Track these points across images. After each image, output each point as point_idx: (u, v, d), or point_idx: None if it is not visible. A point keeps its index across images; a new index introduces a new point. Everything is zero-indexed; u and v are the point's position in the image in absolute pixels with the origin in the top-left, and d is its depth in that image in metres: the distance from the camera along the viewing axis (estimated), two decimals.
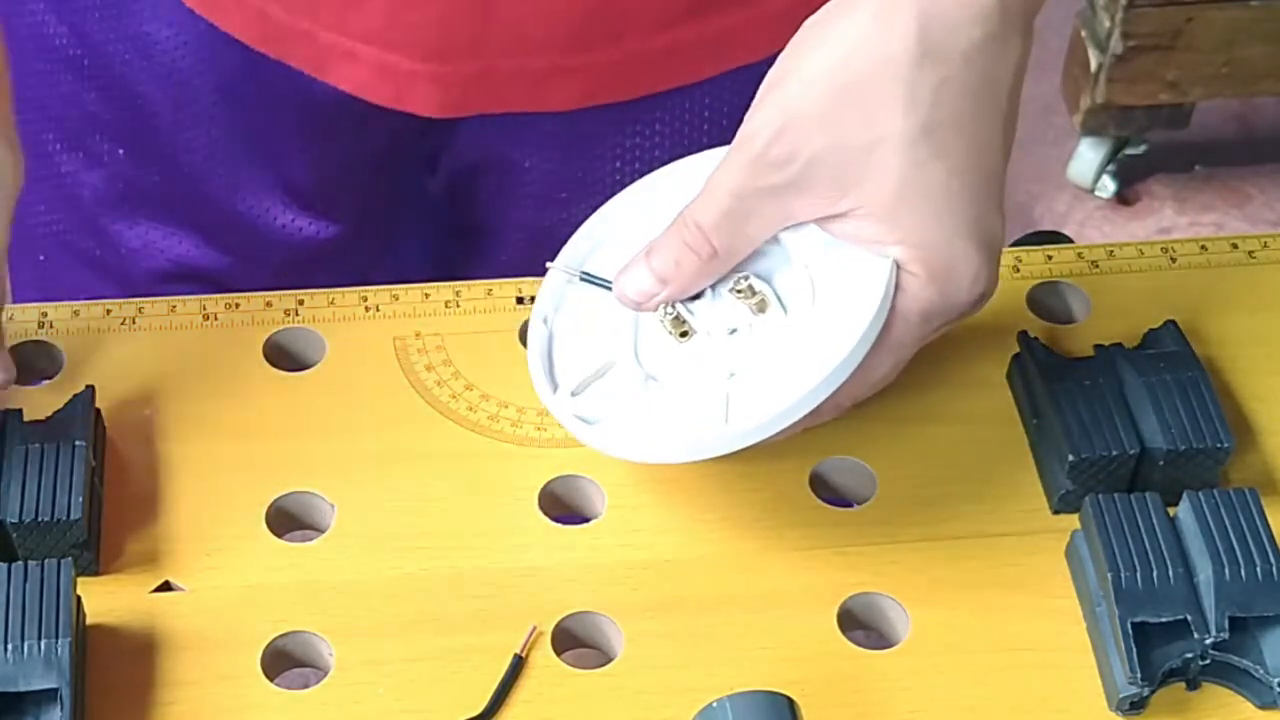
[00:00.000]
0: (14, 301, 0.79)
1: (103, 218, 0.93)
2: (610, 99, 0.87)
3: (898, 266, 0.68)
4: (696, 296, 0.71)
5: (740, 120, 0.94)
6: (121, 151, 0.91)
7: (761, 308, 0.70)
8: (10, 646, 0.64)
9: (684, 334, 0.71)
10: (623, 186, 0.92)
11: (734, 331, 0.71)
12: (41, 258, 0.95)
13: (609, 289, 0.72)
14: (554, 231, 0.87)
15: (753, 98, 0.95)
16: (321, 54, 0.84)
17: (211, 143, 0.89)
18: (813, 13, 0.70)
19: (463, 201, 0.93)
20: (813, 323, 0.70)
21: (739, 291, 0.70)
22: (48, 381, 0.78)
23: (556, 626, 0.70)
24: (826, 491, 0.76)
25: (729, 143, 0.96)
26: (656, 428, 0.70)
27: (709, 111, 0.90)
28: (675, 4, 0.84)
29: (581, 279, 0.74)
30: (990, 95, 0.67)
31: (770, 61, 0.89)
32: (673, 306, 0.71)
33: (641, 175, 0.94)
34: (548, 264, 0.75)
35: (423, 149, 0.90)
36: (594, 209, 0.83)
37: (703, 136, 0.92)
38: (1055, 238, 0.93)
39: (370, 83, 0.85)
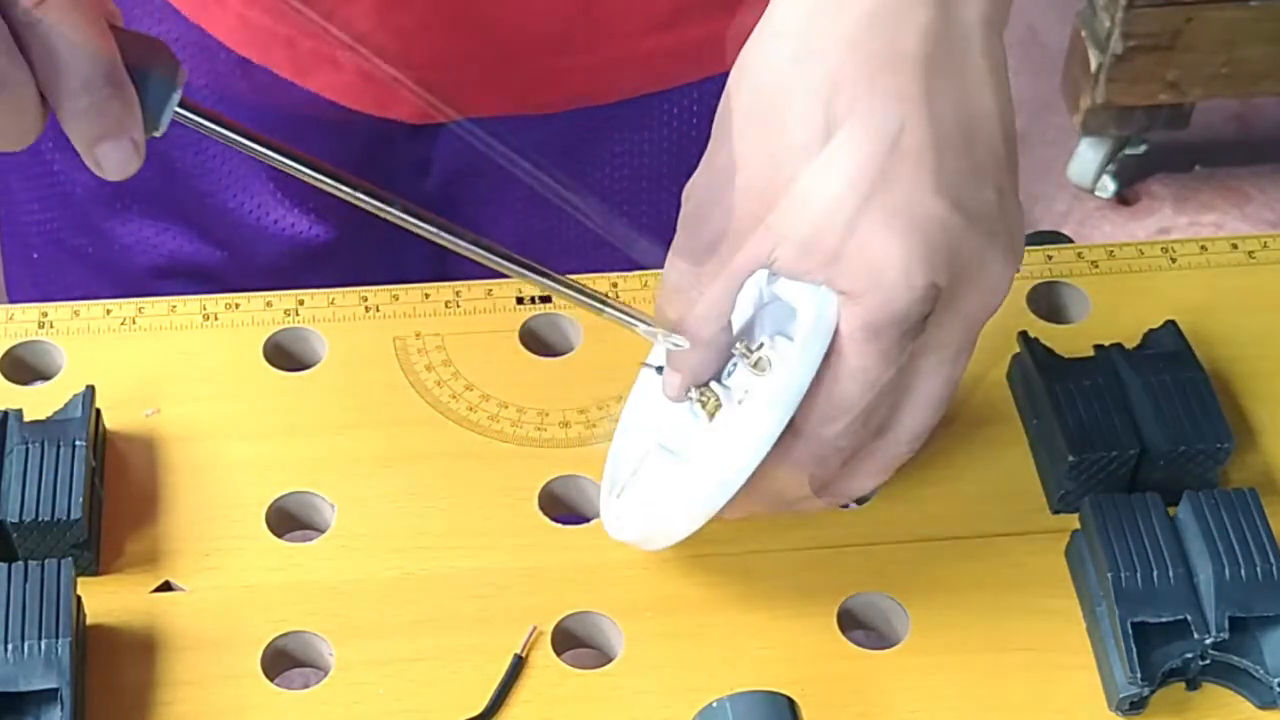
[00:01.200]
0: (11, 300, 0.79)
1: (95, 215, 0.93)
2: (597, 101, 0.87)
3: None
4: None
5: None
6: None
7: (760, 368, 0.67)
8: (10, 646, 0.64)
9: (711, 416, 0.68)
10: (614, 191, 0.91)
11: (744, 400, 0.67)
12: (35, 255, 0.94)
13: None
14: (549, 235, 0.87)
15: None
16: (303, 60, 0.84)
17: (203, 140, 0.89)
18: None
19: (456, 204, 0.93)
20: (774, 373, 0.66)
21: (744, 355, 0.67)
22: (48, 382, 0.78)
23: (556, 626, 0.70)
24: None
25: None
26: (673, 500, 0.68)
27: (697, 118, 0.90)
28: (660, 8, 0.84)
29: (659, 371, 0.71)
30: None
31: None
32: (703, 389, 0.68)
33: (632, 180, 0.93)
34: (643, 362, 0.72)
35: (412, 153, 0.90)
36: (587, 216, 0.83)
37: (691, 144, 0.91)
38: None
39: (353, 89, 0.84)
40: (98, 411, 0.74)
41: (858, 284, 0.62)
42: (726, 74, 0.86)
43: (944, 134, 0.62)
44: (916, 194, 0.62)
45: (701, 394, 0.68)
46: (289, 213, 0.91)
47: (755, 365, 0.66)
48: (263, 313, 0.80)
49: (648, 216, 0.90)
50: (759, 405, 0.65)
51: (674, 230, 0.70)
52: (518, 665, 0.69)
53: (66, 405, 0.73)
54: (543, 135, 0.88)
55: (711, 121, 0.90)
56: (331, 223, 0.92)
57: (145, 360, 0.78)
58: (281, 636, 0.70)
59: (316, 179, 0.63)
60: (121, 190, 0.92)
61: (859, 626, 0.72)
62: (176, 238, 0.93)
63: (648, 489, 0.70)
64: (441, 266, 0.88)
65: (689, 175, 0.95)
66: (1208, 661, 0.68)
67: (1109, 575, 0.68)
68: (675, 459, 0.69)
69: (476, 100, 0.86)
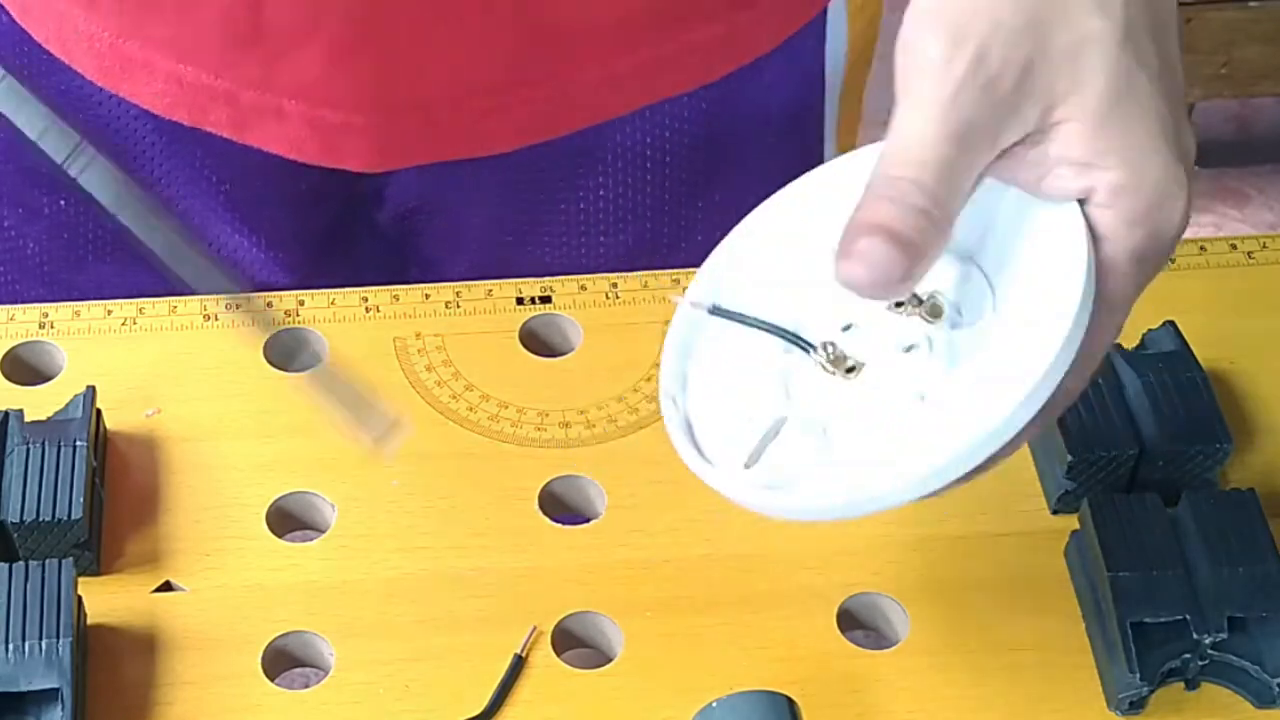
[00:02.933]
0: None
1: (51, 268, 0.92)
2: (547, 135, 0.86)
3: (1090, 213, 0.57)
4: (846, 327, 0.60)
5: (684, 152, 0.92)
6: (63, 202, 0.90)
7: (935, 313, 0.59)
8: (11, 646, 0.64)
9: (850, 370, 0.59)
10: (568, 227, 0.90)
11: (910, 349, 0.59)
12: None
13: (752, 325, 0.60)
14: (504, 270, 0.85)
15: (689, 125, 0.93)
16: (243, 115, 0.82)
17: (154, 185, 0.89)
18: (735, 46, 0.65)
19: (412, 240, 0.92)
20: (1008, 314, 0.58)
21: (903, 304, 0.59)
22: (48, 382, 0.78)
23: (556, 626, 0.70)
24: None
25: (671, 176, 0.94)
26: (856, 475, 0.58)
27: (649, 148, 0.89)
28: (608, 34, 0.84)
29: (713, 313, 0.61)
30: (1167, 5, 0.60)
31: (702, 92, 0.88)
32: (833, 344, 0.59)
33: (586, 214, 0.90)
34: (672, 298, 0.63)
35: (363, 190, 0.89)
36: (543, 248, 0.80)
37: (645, 173, 0.91)
38: None
39: (300, 140, 0.82)
40: (98, 412, 0.74)
41: (1148, 199, 0.57)
42: (673, 99, 0.86)
43: (1182, 76, 0.60)
44: (1186, 127, 0.60)
45: (834, 356, 0.59)
46: (249, 251, 0.90)
47: (932, 311, 0.59)
48: (263, 313, 0.80)
49: (605, 246, 0.90)
50: (1040, 357, 0.55)
51: (638, 256, 0.65)
52: (518, 665, 0.69)
53: (67, 406, 0.73)
54: (493, 174, 0.87)
55: (662, 148, 0.88)
56: (294, 260, 0.91)
57: (146, 360, 0.78)
58: (281, 636, 0.70)
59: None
60: (76, 241, 0.91)
61: (859, 626, 0.72)
62: (138, 277, 0.92)
63: (824, 467, 0.59)
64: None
65: (643, 201, 0.92)
66: (1207, 661, 0.68)
67: (1108, 575, 0.68)
68: (836, 432, 0.60)
69: (429, 146, 0.85)
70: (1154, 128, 0.57)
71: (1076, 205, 0.57)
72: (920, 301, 0.59)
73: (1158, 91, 0.58)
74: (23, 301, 0.91)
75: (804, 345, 0.60)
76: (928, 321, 0.59)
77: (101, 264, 0.92)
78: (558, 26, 0.82)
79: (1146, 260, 0.58)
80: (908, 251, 0.54)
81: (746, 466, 0.60)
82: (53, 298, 0.92)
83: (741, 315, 0.61)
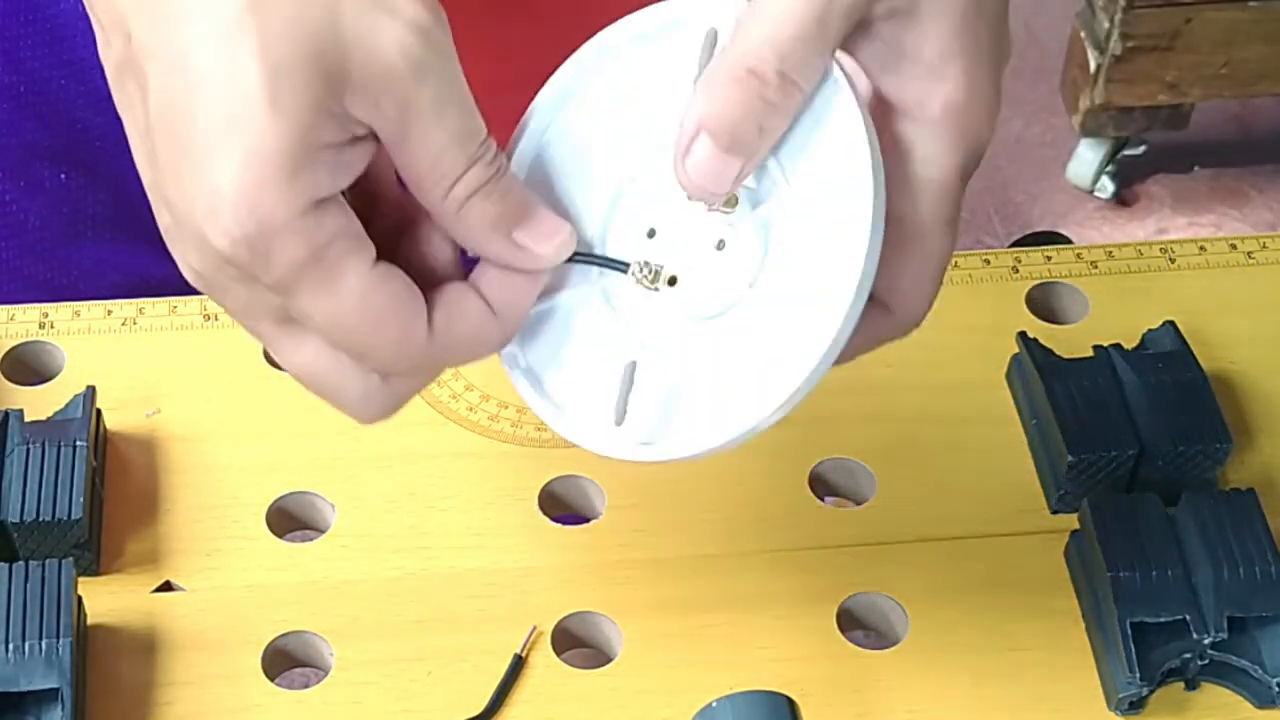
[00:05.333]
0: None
1: (51, 243, 0.92)
2: None
3: (912, 130, 0.57)
4: (650, 234, 0.60)
5: None
6: (64, 176, 0.90)
7: (731, 203, 0.58)
8: (11, 646, 0.65)
9: (671, 281, 0.59)
10: None
11: (721, 244, 0.58)
12: None
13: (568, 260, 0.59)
14: None
15: None
16: None
17: None
18: None
19: None
20: (802, 186, 0.57)
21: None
22: (48, 382, 0.78)
23: (556, 626, 0.70)
24: (826, 491, 0.76)
25: None
26: (719, 410, 0.58)
27: None
28: None
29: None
30: None
31: None
32: (645, 262, 0.59)
33: None
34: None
35: None
36: None
37: None
38: (1054, 238, 0.93)
39: None
40: (98, 412, 0.74)
41: (973, 115, 0.57)
42: None
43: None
44: (1006, 33, 0.58)
45: (649, 271, 0.59)
46: None
47: (729, 201, 0.57)
48: None
49: None
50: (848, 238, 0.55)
51: None
52: (518, 665, 0.69)
53: (67, 406, 0.73)
54: None
55: None
56: None
57: (146, 360, 0.78)
58: (281, 636, 0.70)
59: None
60: (77, 218, 0.91)
61: (859, 626, 0.72)
62: (138, 257, 0.92)
63: (694, 393, 0.59)
64: None
65: None
66: (1206, 661, 0.68)
67: (1108, 575, 0.68)
68: (684, 355, 0.59)
69: None
70: (993, 37, 0.56)
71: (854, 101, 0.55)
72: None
73: (994, 19, 0.57)
74: (21, 277, 0.92)
75: (618, 266, 0.59)
76: (725, 214, 0.58)
77: (101, 241, 0.92)
78: (569, 32, 0.82)
79: (968, 173, 0.58)
80: (746, 153, 0.55)
81: (618, 424, 0.59)
82: (51, 274, 0.92)
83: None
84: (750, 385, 0.57)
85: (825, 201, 0.56)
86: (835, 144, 0.56)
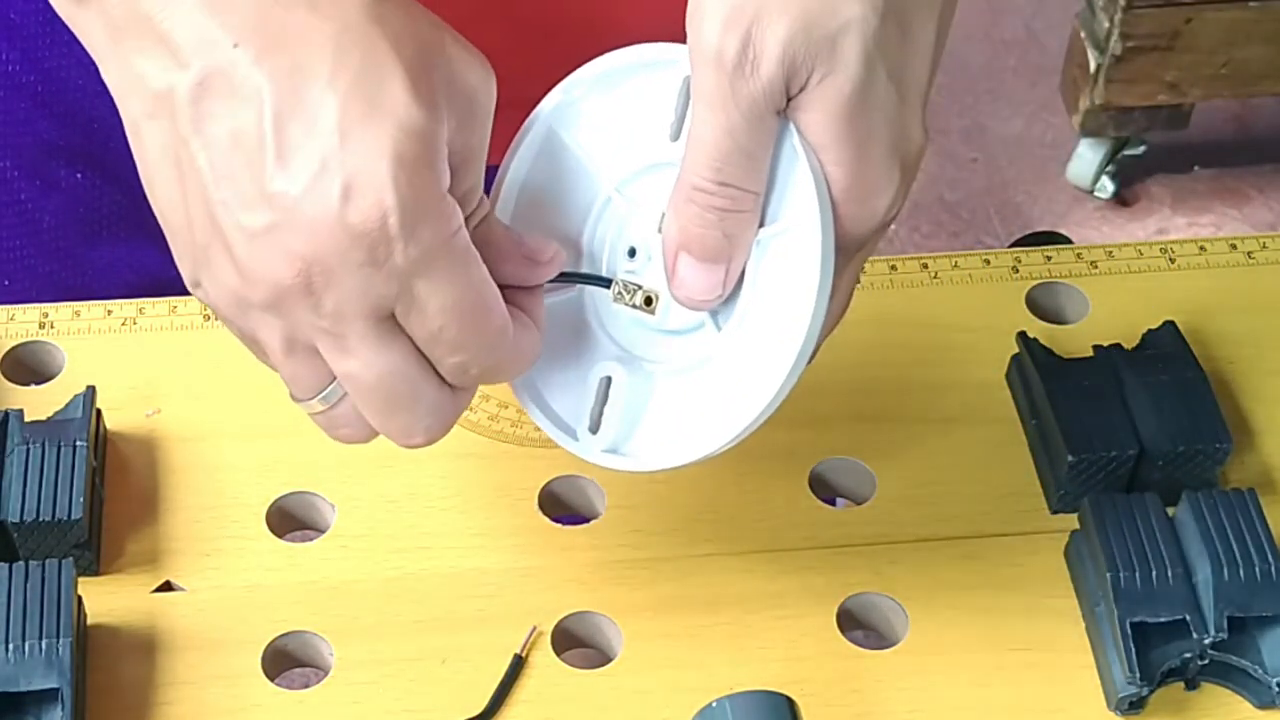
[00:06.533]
0: None
1: (66, 242, 0.92)
2: None
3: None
4: (631, 254, 0.64)
5: None
6: (80, 175, 0.90)
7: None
8: (11, 646, 0.65)
9: (648, 301, 0.63)
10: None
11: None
12: (7, 282, 0.94)
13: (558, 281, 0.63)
14: None
15: None
16: None
17: None
18: None
19: None
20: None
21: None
22: (48, 382, 0.78)
23: (556, 626, 0.70)
24: (826, 491, 0.76)
25: None
26: (687, 426, 0.63)
27: None
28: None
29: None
30: (919, 18, 0.61)
31: None
32: (625, 281, 0.64)
33: None
34: None
35: None
36: None
37: None
38: (1054, 238, 0.92)
39: None
40: (98, 412, 0.74)
41: (861, 193, 0.61)
42: None
43: (934, 69, 0.63)
44: (915, 125, 0.62)
45: (636, 291, 0.64)
46: None
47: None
48: None
49: None
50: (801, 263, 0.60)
51: None
52: (518, 665, 0.69)
53: (67, 406, 0.73)
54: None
55: None
56: None
57: (146, 360, 0.78)
58: (281, 636, 0.70)
59: None
60: (92, 218, 0.91)
61: (859, 626, 0.72)
62: (151, 257, 0.93)
63: (666, 404, 0.64)
64: None
65: None
66: (1206, 661, 0.68)
67: (1108, 575, 0.68)
68: (660, 372, 0.64)
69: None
70: (880, 128, 0.60)
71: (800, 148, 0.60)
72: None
73: (893, 86, 0.60)
74: (36, 275, 0.92)
75: (602, 283, 0.64)
76: None
77: (115, 241, 0.92)
78: (575, 41, 0.82)
79: (860, 244, 0.62)
80: (721, 258, 0.61)
81: (591, 432, 0.64)
82: (64, 273, 0.92)
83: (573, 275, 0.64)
84: (714, 410, 0.62)
85: (783, 241, 0.61)
86: (792, 193, 0.61)
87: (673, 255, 0.61)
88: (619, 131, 0.64)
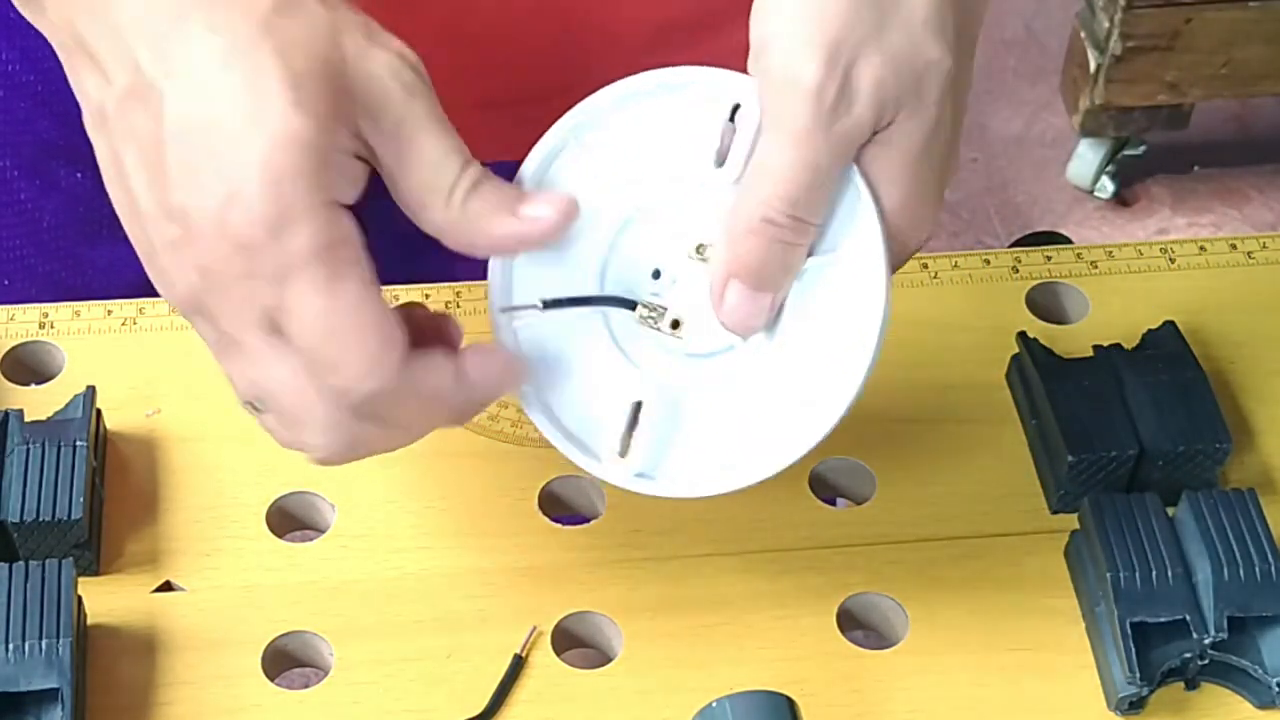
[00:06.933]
0: None
1: (66, 242, 0.92)
2: None
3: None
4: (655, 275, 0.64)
5: None
6: (80, 175, 0.90)
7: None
8: (11, 646, 0.65)
9: (675, 324, 0.63)
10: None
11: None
12: (6, 282, 0.94)
13: (582, 304, 0.64)
14: None
15: None
16: None
17: None
18: None
19: (417, 239, 0.92)
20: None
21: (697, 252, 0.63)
22: (48, 382, 0.78)
23: (556, 626, 0.70)
24: (826, 491, 0.76)
25: None
26: (732, 443, 0.64)
27: None
28: (648, 39, 0.83)
29: (548, 307, 0.64)
30: (971, 34, 0.63)
31: None
32: (650, 305, 0.64)
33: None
34: (500, 308, 0.65)
35: (376, 187, 0.89)
36: None
37: None
38: (1054, 238, 0.92)
39: None
40: (98, 412, 0.74)
41: (913, 229, 0.62)
42: None
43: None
44: (957, 157, 0.64)
45: (663, 315, 0.63)
46: None
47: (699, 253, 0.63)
48: None
49: None
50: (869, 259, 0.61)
51: None
52: (518, 665, 0.69)
53: (67, 406, 0.73)
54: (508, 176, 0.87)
55: None
56: None
57: (146, 360, 0.78)
58: (281, 636, 0.70)
59: None
60: (92, 217, 0.91)
61: (859, 626, 0.72)
62: None
63: (709, 429, 0.64)
64: (416, 278, 0.87)
65: None
66: (1206, 661, 0.68)
67: (1108, 575, 0.68)
68: (689, 397, 0.64)
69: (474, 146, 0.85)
70: (939, 163, 0.62)
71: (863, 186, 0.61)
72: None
73: (953, 124, 0.62)
74: (36, 275, 0.92)
75: (626, 304, 0.64)
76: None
77: (115, 241, 0.92)
78: (596, 31, 0.82)
79: (895, 267, 0.63)
80: (773, 288, 0.62)
81: (621, 456, 0.64)
82: (65, 273, 0.92)
83: (570, 299, 0.63)
84: (762, 436, 0.62)
85: (838, 271, 0.61)
86: (848, 223, 0.61)
87: (723, 282, 0.62)
88: (641, 153, 0.64)
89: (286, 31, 0.57)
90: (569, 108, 0.67)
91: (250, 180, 0.56)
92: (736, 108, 0.61)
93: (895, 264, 0.62)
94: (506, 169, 0.88)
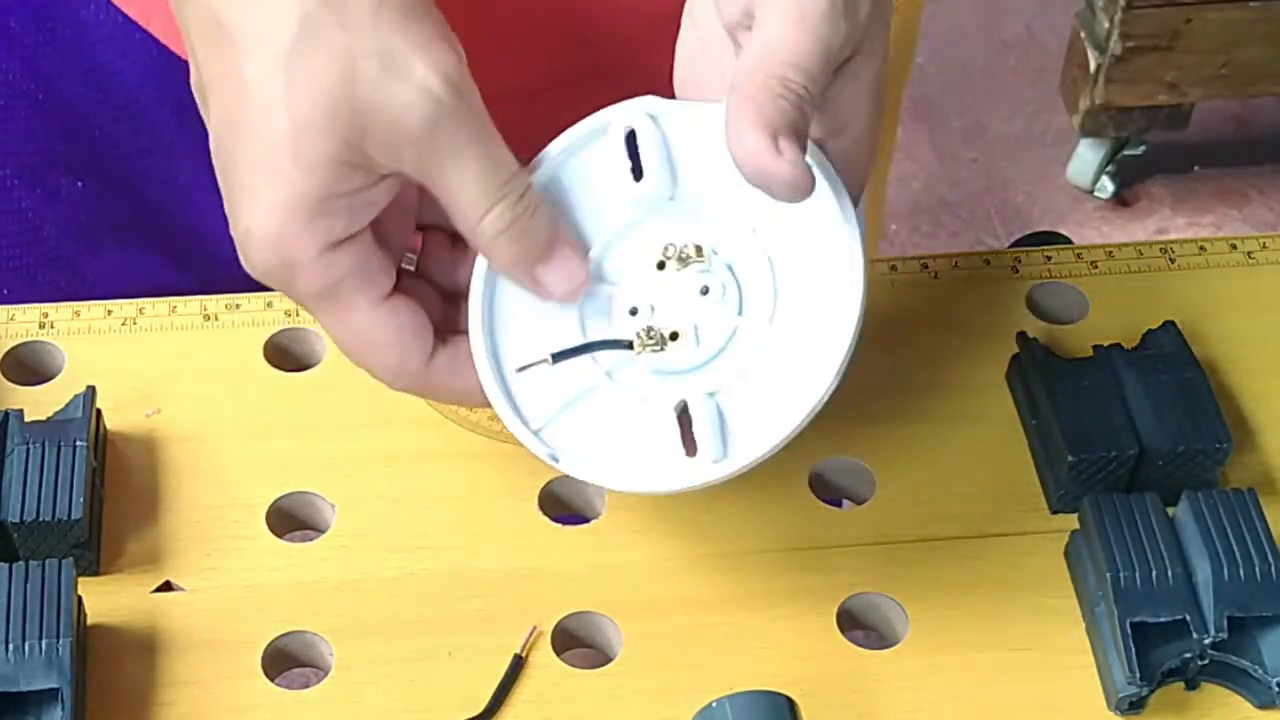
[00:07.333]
0: None
1: (66, 251, 0.92)
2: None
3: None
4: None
5: None
6: (81, 184, 0.90)
7: (698, 254, 0.66)
8: (11, 646, 0.65)
9: (673, 336, 0.66)
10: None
11: (705, 290, 0.65)
12: (5, 291, 0.94)
13: (582, 352, 0.66)
14: None
15: None
16: None
17: (172, 168, 0.88)
18: None
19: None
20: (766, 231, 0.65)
21: (664, 264, 0.66)
22: (48, 382, 0.78)
23: (556, 626, 0.70)
24: (826, 491, 0.76)
25: None
26: (767, 406, 0.65)
27: None
28: (651, 34, 0.83)
29: (557, 361, 0.66)
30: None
31: None
32: (643, 332, 0.66)
33: None
34: (517, 369, 0.67)
35: None
36: None
37: None
38: (1054, 238, 0.92)
39: None
40: (98, 412, 0.74)
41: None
42: None
43: None
44: None
45: (649, 330, 0.65)
46: None
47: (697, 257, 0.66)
48: (263, 313, 0.80)
49: None
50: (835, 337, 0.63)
51: None
52: (518, 665, 0.69)
53: (67, 406, 0.73)
54: None
55: None
56: None
57: (146, 360, 0.78)
58: (281, 636, 0.70)
59: None
60: (91, 225, 0.91)
61: (859, 626, 0.72)
62: (151, 266, 0.92)
63: (634, 435, 0.66)
64: None
65: None
66: (1206, 661, 0.68)
67: (1108, 575, 0.68)
68: (642, 397, 0.66)
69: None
70: (882, 106, 0.65)
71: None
72: (684, 258, 0.66)
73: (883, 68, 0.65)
74: (37, 285, 0.92)
75: (624, 345, 0.66)
76: (699, 264, 0.66)
77: (116, 250, 0.92)
78: (598, 25, 0.82)
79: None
80: (794, 135, 0.60)
81: (690, 456, 0.65)
82: (65, 283, 0.92)
83: (574, 349, 0.66)
84: (792, 382, 0.64)
85: (814, 238, 0.64)
86: (816, 207, 0.63)
87: (738, 135, 0.60)
88: (586, 199, 0.67)
89: (300, 69, 0.60)
90: (572, 100, 0.69)
91: (254, 231, 0.61)
92: (633, 133, 0.66)
93: (856, 196, 0.65)
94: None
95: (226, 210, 0.63)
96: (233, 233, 0.63)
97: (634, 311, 0.66)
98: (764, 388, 0.65)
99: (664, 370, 0.66)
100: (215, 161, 0.63)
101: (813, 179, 0.60)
